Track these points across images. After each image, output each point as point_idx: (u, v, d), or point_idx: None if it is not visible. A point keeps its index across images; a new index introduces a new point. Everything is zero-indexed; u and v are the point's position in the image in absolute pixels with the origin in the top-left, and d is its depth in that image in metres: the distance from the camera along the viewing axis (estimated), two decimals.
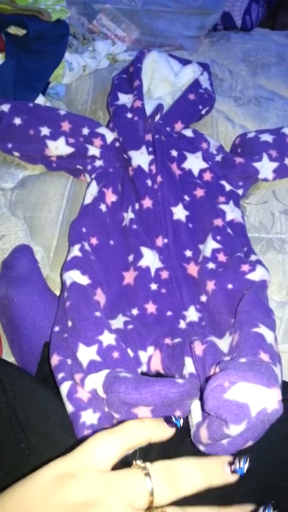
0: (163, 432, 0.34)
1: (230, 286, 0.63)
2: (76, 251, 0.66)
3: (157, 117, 0.83)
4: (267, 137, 0.86)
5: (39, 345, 0.63)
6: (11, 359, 0.66)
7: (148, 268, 0.67)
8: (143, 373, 0.58)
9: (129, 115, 0.85)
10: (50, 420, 0.47)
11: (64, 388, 0.52)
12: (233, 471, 0.34)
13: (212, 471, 0.33)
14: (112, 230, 0.72)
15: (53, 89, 0.99)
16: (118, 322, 0.61)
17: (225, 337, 0.59)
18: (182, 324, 0.62)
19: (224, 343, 0.58)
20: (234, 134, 0.94)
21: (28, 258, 0.71)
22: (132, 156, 0.78)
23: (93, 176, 0.78)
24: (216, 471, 0.33)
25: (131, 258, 0.68)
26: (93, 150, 0.80)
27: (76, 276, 0.62)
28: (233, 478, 0.34)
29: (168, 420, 0.34)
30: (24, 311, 0.64)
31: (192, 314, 0.64)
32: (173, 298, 0.65)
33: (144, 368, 0.58)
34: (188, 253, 0.70)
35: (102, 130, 0.83)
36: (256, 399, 0.40)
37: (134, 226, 0.71)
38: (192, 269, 0.69)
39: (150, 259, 0.67)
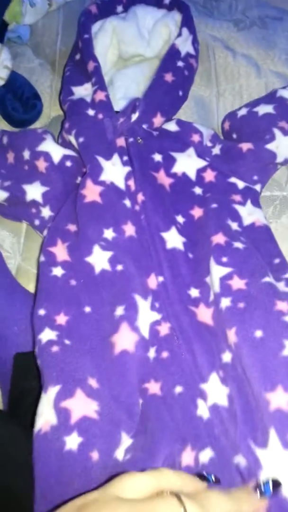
0: (194, 484, 0.34)
1: (258, 333, 0.46)
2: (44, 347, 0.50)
3: (134, 116, 0.64)
4: (267, 108, 0.66)
5: (9, 355, 0.55)
6: None
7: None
8: None
9: (91, 112, 0.66)
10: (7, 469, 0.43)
11: None
12: (262, 494, 0.35)
13: (240, 499, 0.34)
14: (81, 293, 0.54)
15: (14, 32, 0.84)
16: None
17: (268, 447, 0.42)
18: (203, 411, 0.46)
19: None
20: (236, 66, 0.78)
21: None
22: (103, 166, 0.60)
23: (44, 233, 0.61)
24: (245, 498, 0.35)
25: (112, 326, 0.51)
26: (33, 193, 0.63)
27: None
28: (262, 502, 0.36)
29: (201, 475, 0.36)
30: None
31: (215, 390, 0.47)
32: (182, 364, 0.49)
33: None
34: (194, 292, 0.54)
35: (44, 146, 0.64)
36: None
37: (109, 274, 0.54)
38: (204, 314, 0.52)
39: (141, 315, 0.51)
